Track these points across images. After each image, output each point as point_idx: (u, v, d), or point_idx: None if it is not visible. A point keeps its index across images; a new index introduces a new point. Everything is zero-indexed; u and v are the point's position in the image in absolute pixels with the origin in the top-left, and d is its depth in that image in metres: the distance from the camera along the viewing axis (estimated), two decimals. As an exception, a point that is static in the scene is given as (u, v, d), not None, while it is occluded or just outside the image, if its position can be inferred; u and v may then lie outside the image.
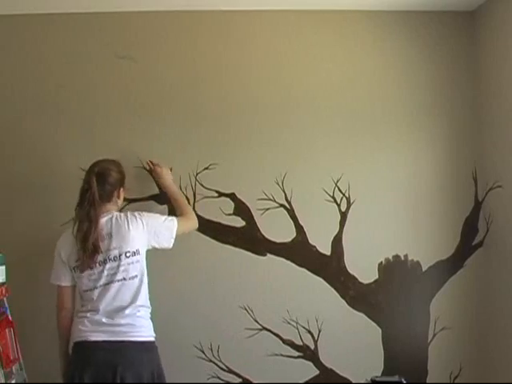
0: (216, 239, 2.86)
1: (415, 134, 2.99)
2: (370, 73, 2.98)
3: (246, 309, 2.86)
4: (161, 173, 2.72)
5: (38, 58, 2.87)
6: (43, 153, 2.84)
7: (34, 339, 2.67)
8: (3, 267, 2.40)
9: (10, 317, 2.40)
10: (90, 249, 2.25)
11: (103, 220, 2.33)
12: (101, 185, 2.34)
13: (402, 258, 2.95)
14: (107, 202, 2.39)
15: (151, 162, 2.77)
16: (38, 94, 2.85)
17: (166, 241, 2.46)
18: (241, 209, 2.89)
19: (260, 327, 2.87)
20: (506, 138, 2.77)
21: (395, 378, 2.55)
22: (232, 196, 2.88)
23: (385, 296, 2.93)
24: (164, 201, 2.85)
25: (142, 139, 2.86)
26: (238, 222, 2.89)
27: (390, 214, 2.95)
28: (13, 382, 2.31)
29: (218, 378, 2.84)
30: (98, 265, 2.28)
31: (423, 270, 2.96)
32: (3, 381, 2.23)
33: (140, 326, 2.29)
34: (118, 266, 2.29)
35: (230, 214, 2.88)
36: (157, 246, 2.45)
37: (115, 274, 2.29)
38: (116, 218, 2.36)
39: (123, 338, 2.23)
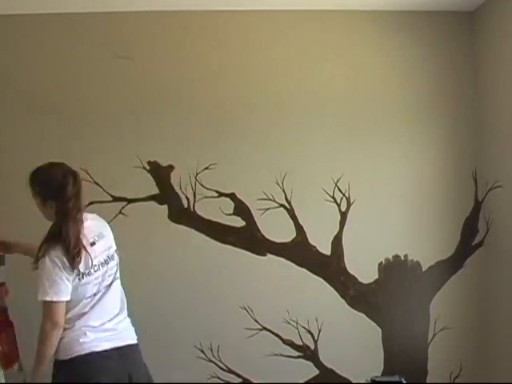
0: (216, 239, 2.86)
1: (415, 134, 2.99)
2: (369, 73, 2.98)
3: (245, 309, 2.86)
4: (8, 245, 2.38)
5: (37, 58, 2.86)
6: (42, 152, 2.82)
7: (33, 339, 2.66)
8: (3, 267, 2.40)
9: (9, 317, 2.39)
10: None
11: None
12: None
13: (402, 258, 2.95)
14: None
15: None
16: (37, 93, 2.84)
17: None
18: (241, 209, 2.89)
19: (260, 327, 2.86)
20: (506, 138, 2.77)
21: (395, 378, 2.55)
22: (232, 196, 2.88)
23: (385, 296, 2.93)
24: (164, 201, 2.85)
25: (141, 139, 2.86)
26: (238, 222, 2.89)
27: (389, 214, 2.96)
28: (12, 382, 2.31)
29: (218, 377, 2.84)
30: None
31: (423, 269, 2.96)
32: (3, 381, 2.23)
33: (131, 329, 2.22)
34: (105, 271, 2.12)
35: (229, 214, 2.88)
36: None
37: (103, 281, 2.12)
38: None
39: (125, 342, 2.18)
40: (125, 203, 2.81)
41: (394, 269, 2.95)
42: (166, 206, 2.85)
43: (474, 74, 3.01)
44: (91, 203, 2.79)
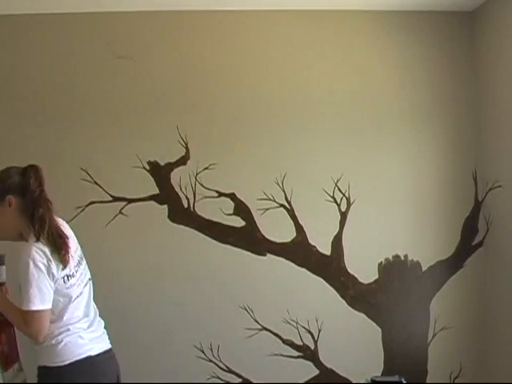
0: (216, 239, 2.86)
1: (415, 134, 2.99)
2: (369, 73, 2.98)
3: (246, 309, 2.86)
4: None
5: (36, 59, 2.86)
6: (43, 152, 2.83)
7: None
8: (3, 267, 2.39)
9: (9, 317, 2.39)
10: None
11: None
12: None
13: (402, 258, 2.95)
14: None
15: None
16: (37, 94, 2.84)
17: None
18: (241, 209, 2.89)
19: (260, 327, 2.86)
20: (506, 138, 2.77)
21: (395, 378, 2.55)
22: (232, 196, 2.88)
23: (385, 296, 2.93)
24: (164, 201, 2.85)
25: (141, 139, 2.86)
26: (238, 222, 2.89)
27: (389, 214, 2.96)
28: (12, 382, 2.31)
29: (218, 377, 2.84)
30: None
31: (423, 269, 2.96)
32: (2, 381, 2.23)
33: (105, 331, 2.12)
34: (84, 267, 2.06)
35: (229, 214, 2.88)
36: None
37: (82, 282, 2.03)
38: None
39: (108, 345, 2.07)
40: (125, 203, 2.81)
41: (393, 269, 2.95)
42: (165, 206, 2.85)
43: (473, 74, 3.01)
44: (91, 203, 2.81)
